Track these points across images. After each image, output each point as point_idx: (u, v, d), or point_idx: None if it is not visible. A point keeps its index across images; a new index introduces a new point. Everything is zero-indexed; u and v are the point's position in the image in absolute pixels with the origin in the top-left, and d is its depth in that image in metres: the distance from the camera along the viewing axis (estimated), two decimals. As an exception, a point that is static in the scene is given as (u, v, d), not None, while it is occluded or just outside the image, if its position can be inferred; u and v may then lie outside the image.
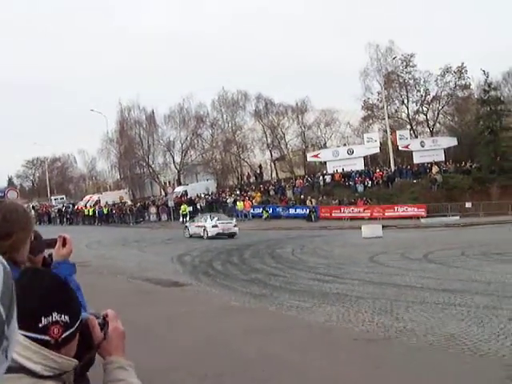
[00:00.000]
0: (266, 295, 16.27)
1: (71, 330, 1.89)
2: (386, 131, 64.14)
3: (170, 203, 60.06)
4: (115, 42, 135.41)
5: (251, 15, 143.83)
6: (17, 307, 1.85)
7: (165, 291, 17.94)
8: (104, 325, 2.13)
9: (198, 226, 41.65)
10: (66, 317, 1.86)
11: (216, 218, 41.95)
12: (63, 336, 1.85)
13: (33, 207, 70.24)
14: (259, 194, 61.42)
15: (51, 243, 3.38)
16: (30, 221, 2.94)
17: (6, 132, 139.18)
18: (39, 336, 1.80)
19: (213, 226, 40.16)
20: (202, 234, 40.27)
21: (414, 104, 68.71)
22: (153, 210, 63.11)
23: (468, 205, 48.24)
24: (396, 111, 69.20)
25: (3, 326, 0.78)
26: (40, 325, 1.80)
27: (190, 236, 41.47)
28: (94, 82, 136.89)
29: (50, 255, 3.27)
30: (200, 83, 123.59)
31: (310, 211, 52.27)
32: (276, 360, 9.01)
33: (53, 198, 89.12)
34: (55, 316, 1.83)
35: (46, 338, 1.81)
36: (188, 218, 53.91)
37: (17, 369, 1.76)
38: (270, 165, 75.31)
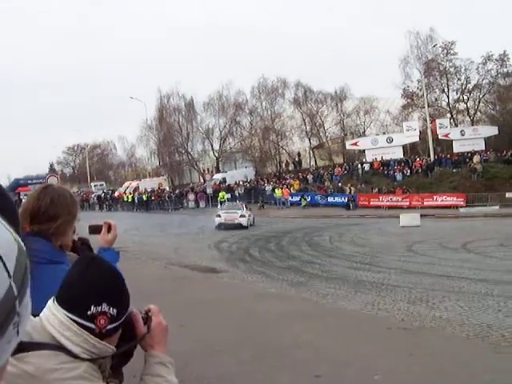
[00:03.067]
0: (303, 282, 16.35)
1: (116, 324, 1.93)
2: (425, 120, 63.20)
3: (209, 190, 60.30)
4: (155, 29, 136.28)
5: (290, 2, 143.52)
6: (71, 291, 1.94)
7: (201, 277, 18.07)
8: (147, 319, 2.16)
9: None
10: (115, 310, 1.91)
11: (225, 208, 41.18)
12: (108, 328, 1.90)
13: (73, 193, 70.52)
14: (298, 181, 61.16)
15: (96, 229, 3.47)
16: (75, 206, 3.03)
17: (48, 119, 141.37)
18: (85, 322, 1.85)
19: (216, 216, 38.42)
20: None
21: (455, 92, 67.86)
22: (191, 196, 63.31)
23: (508, 195, 47.30)
24: (436, 99, 68.29)
25: (15, 301, 0.81)
26: (88, 312, 1.86)
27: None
28: (134, 69, 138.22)
29: (79, 239, 3.32)
30: (239, 71, 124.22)
31: (348, 199, 52.07)
32: (310, 346, 9.06)
33: (93, 184, 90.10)
34: (104, 307, 1.88)
35: (92, 325, 1.86)
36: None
37: (55, 347, 1.82)
38: (309, 152, 75.07)
